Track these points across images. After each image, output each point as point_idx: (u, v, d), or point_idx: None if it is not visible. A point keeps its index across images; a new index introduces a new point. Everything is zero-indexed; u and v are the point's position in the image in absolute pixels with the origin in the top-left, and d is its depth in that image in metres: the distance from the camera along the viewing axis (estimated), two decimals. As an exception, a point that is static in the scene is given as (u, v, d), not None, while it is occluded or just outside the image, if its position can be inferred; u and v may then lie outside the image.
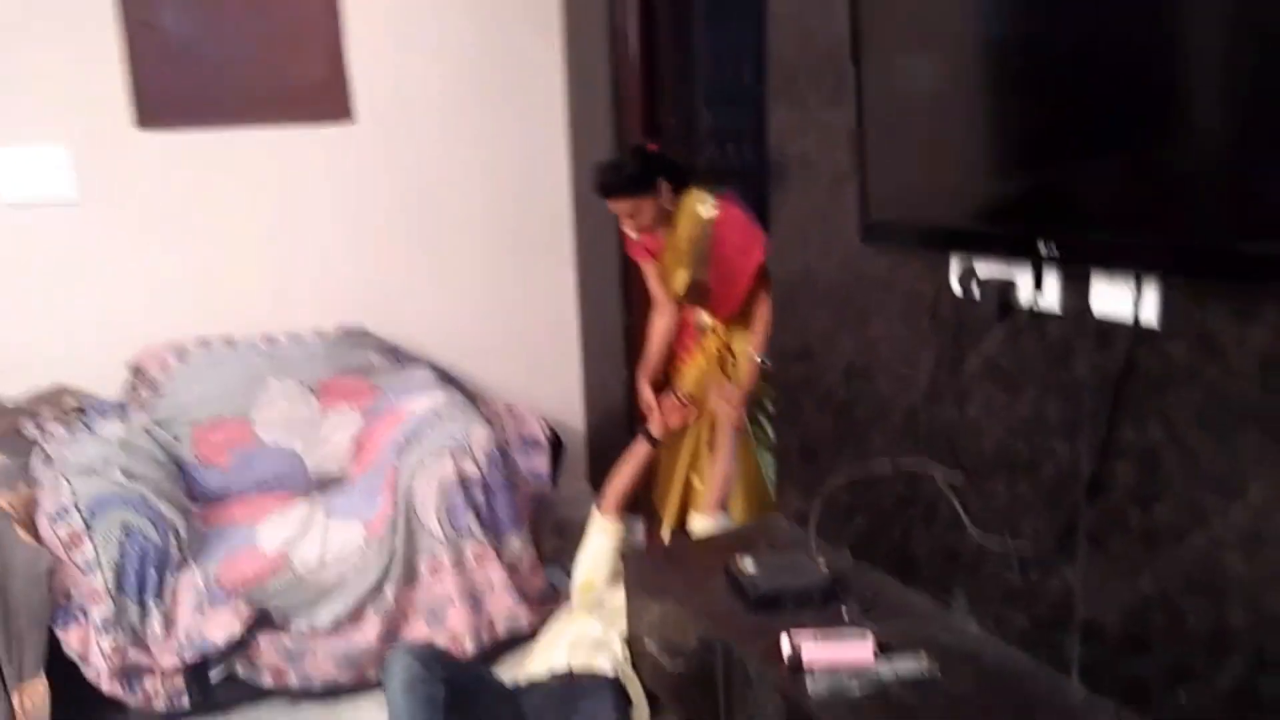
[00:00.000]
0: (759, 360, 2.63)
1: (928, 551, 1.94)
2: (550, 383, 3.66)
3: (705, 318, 2.82)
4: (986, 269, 1.69)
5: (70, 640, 2.20)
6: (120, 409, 2.83)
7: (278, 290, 3.17)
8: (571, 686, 2.15)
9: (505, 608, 2.61)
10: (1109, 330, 1.49)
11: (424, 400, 2.82)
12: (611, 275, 3.36)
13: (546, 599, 2.76)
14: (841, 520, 2.14)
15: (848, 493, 2.11)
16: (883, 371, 2.00)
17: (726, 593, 2.04)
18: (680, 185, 2.62)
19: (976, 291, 1.70)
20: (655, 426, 2.75)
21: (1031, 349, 1.63)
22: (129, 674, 2.24)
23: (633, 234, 2.67)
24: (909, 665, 1.70)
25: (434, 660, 1.99)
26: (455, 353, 3.41)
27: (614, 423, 3.53)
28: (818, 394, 2.20)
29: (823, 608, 1.93)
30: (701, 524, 2.64)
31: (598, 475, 3.75)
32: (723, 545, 2.32)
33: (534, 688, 2.20)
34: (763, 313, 2.60)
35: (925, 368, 1.87)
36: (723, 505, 2.64)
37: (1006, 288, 1.65)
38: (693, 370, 2.81)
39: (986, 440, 1.75)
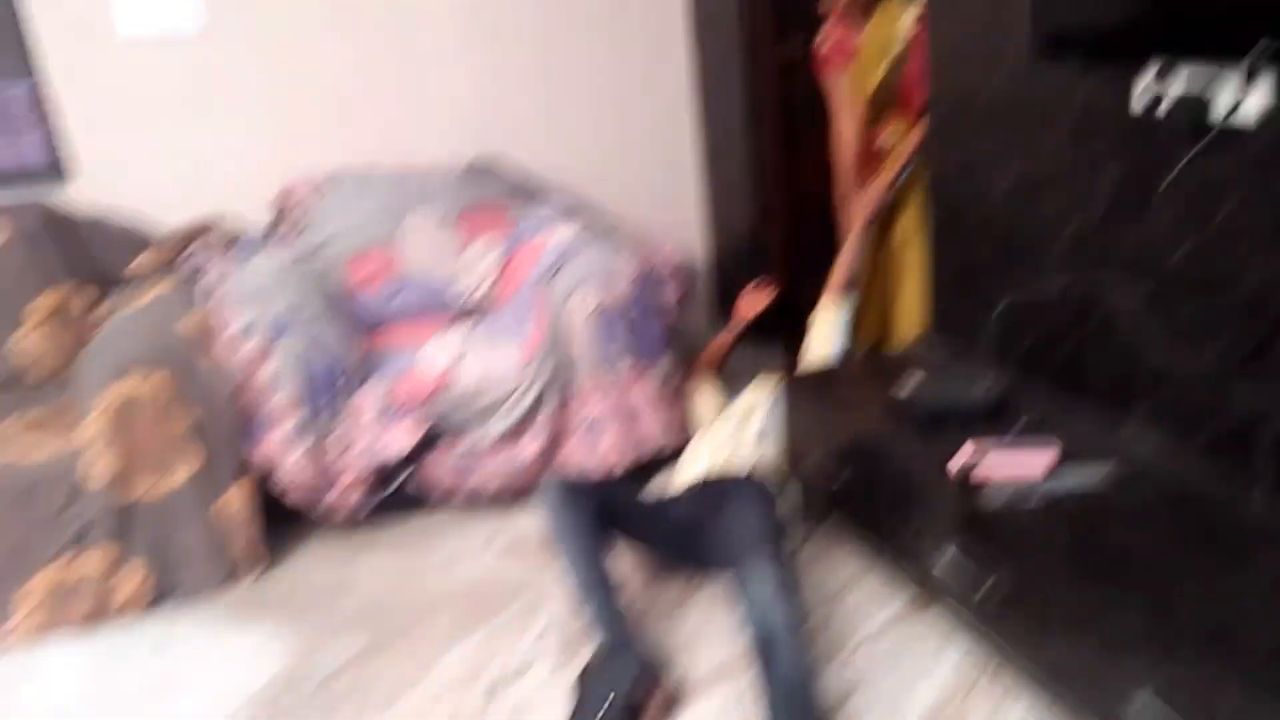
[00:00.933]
0: (903, 165, 2.67)
1: (1101, 369, 1.95)
2: (671, 213, 3.66)
3: (888, 138, 2.80)
4: (1179, 78, 1.62)
5: (260, 454, 2.35)
6: (269, 240, 2.92)
7: (406, 120, 3.18)
8: (714, 489, 2.27)
9: (653, 429, 2.71)
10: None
11: (563, 230, 2.85)
12: (736, 100, 3.30)
13: (685, 426, 2.85)
14: (1007, 340, 2.15)
15: (1014, 312, 2.11)
16: (1055, 189, 1.96)
17: (891, 409, 2.09)
18: None
19: (1168, 102, 1.64)
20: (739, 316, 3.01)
21: (1230, 160, 1.58)
22: (315, 484, 2.40)
23: (833, 23, 2.69)
24: (1085, 478, 1.74)
25: (579, 489, 2.15)
26: (578, 183, 3.41)
27: (741, 252, 3.54)
28: (981, 213, 2.18)
29: (992, 422, 1.97)
30: (825, 311, 2.69)
31: (724, 306, 3.79)
32: (882, 364, 2.37)
33: (680, 496, 2.33)
34: (910, 142, 2.65)
35: (1105, 184, 1.83)
36: (844, 291, 2.69)
37: (1202, 98, 1.58)
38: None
39: (1175, 256, 1.73)
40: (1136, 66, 1.69)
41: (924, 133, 2.58)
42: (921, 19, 2.54)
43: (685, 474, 2.43)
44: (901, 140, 2.73)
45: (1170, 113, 1.64)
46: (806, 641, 1.85)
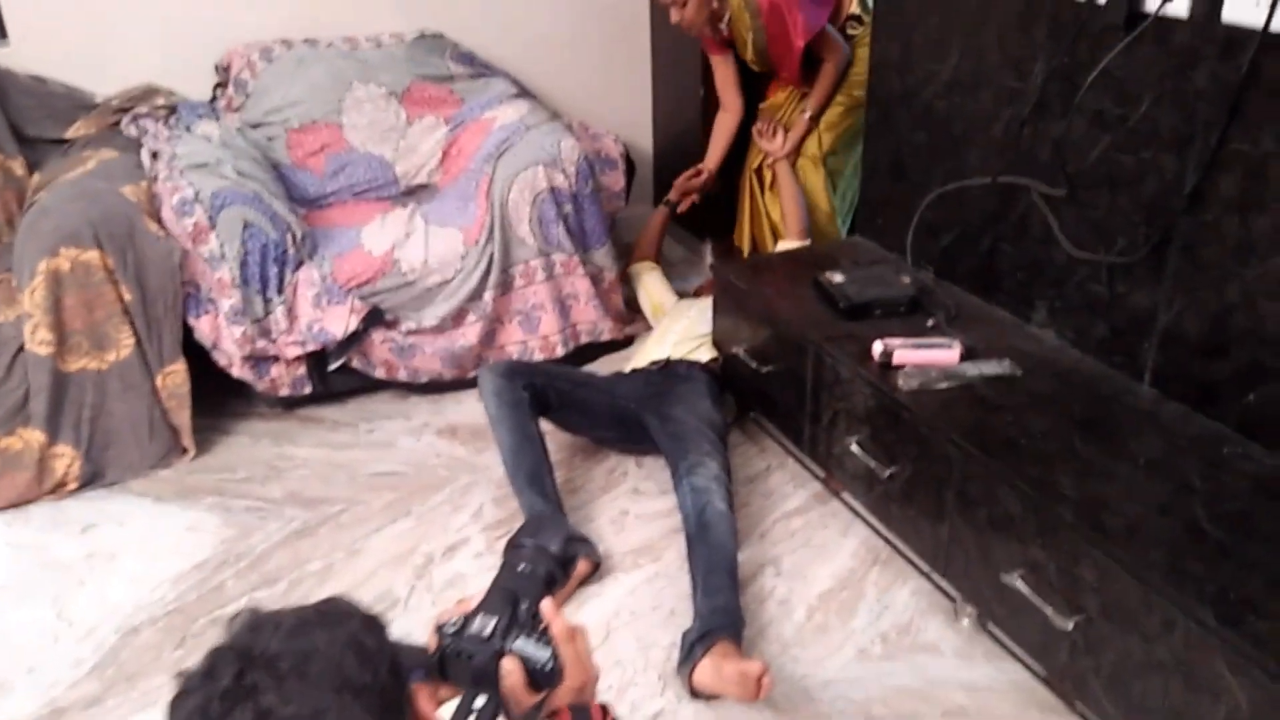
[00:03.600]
0: (808, 116, 2.82)
1: (1013, 266, 2.02)
2: (619, 101, 3.62)
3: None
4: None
5: (202, 329, 2.37)
6: (211, 109, 2.87)
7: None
8: (667, 371, 2.35)
9: (589, 317, 2.76)
10: (1238, 39, 1.48)
11: (509, 111, 2.84)
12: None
13: (622, 315, 2.90)
14: (927, 238, 2.20)
15: (935, 210, 2.16)
16: (989, 84, 1.98)
17: (815, 303, 2.16)
18: None
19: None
20: (673, 193, 3.11)
21: (1152, 58, 1.62)
22: (256, 361, 2.43)
23: (686, 29, 2.78)
24: (992, 367, 1.83)
25: (514, 372, 2.24)
26: (526, 64, 3.35)
27: (685, 145, 3.52)
28: (915, 108, 2.20)
29: (909, 317, 2.05)
30: (788, 249, 2.75)
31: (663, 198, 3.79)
32: (806, 261, 2.42)
33: (631, 375, 2.41)
34: (825, 71, 2.77)
35: (1036, 79, 1.86)
36: (807, 233, 2.81)
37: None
38: (780, 96, 2.93)
39: (1091, 153, 1.77)
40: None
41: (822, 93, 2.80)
42: (762, 8, 2.63)
43: (648, 352, 2.51)
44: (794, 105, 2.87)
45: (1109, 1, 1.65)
46: (735, 526, 1.96)
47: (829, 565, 2.01)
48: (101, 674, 1.79)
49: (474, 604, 1.01)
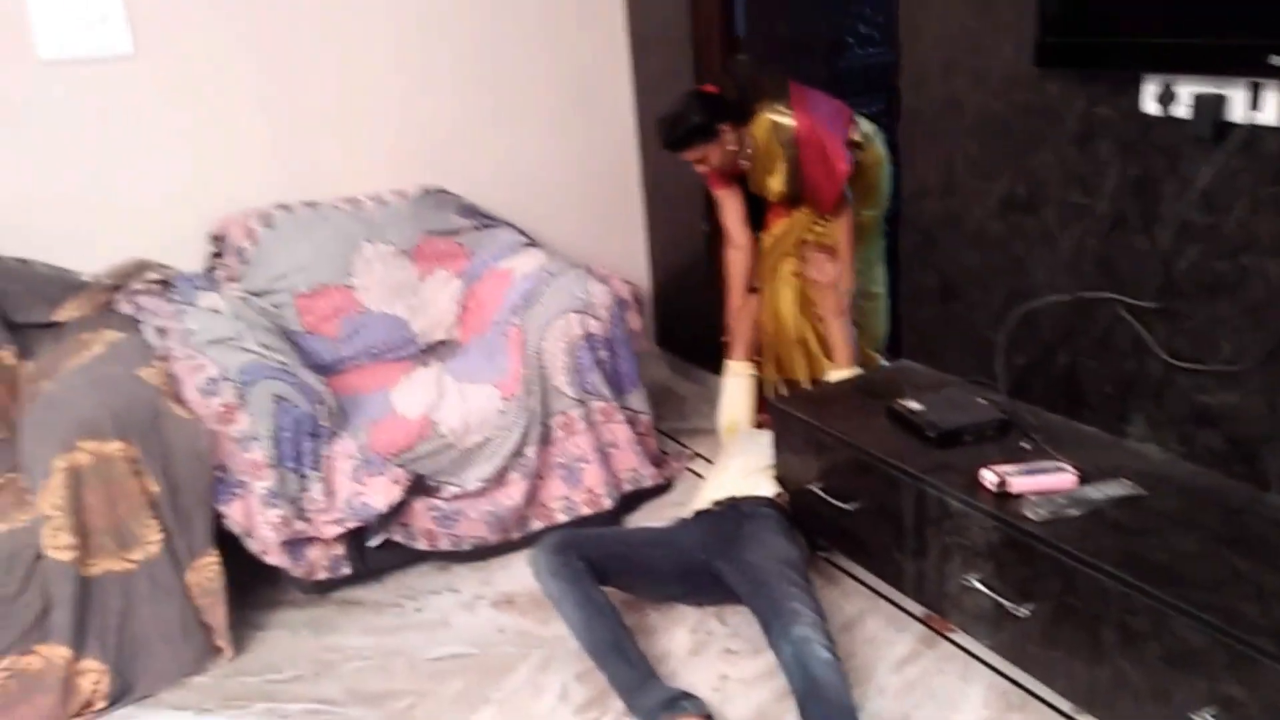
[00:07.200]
0: (844, 292, 2.67)
1: (1099, 382, 1.98)
2: (614, 242, 3.61)
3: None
4: (1191, 87, 1.66)
5: (234, 515, 2.17)
6: (209, 280, 2.72)
7: (348, 150, 3.01)
8: (732, 512, 2.24)
9: (630, 464, 2.64)
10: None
11: (526, 260, 2.77)
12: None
13: (659, 459, 2.79)
14: (1000, 358, 2.15)
15: (1005, 329, 2.12)
16: (1050, 202, 1.99)
17: (894, 433, 2.08)
18: (743, 118, 2.60)
19: (1180, 110, 1.69)
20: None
21: (1243, 166, 1.63)
22: (293, 545, 2.23)
23: (705, 175, 2.73)
24: (1114, 488, 1.76)
25: (565, 545, 2.09)
26: (522, 211, 3.32)
27: (686, 279, 3.50)
28: (965, 229, 2.20)
29: (999, 441, 1.98)
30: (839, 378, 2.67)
31: (666, 336, 3.75)
32: (862, 390, 2.35)
33: (694, 520, 2.29)
34: (843, 224, 2.64)
35: (1106, 195, 1.86)
36: (857, 360, 2.70)
37: (1218, 104, 1.63)
38: (782, 225, 2.80)
39: (1181, 264, 1.77)
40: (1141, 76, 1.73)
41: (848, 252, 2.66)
42: (800, 134, 2.54)
43: (703, 498, 2.38)
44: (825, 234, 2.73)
45: (1193, 115, 1.66)
46: (847, 679, 1.82)
47: (962, 718, 1.87)
48: None
49: None
